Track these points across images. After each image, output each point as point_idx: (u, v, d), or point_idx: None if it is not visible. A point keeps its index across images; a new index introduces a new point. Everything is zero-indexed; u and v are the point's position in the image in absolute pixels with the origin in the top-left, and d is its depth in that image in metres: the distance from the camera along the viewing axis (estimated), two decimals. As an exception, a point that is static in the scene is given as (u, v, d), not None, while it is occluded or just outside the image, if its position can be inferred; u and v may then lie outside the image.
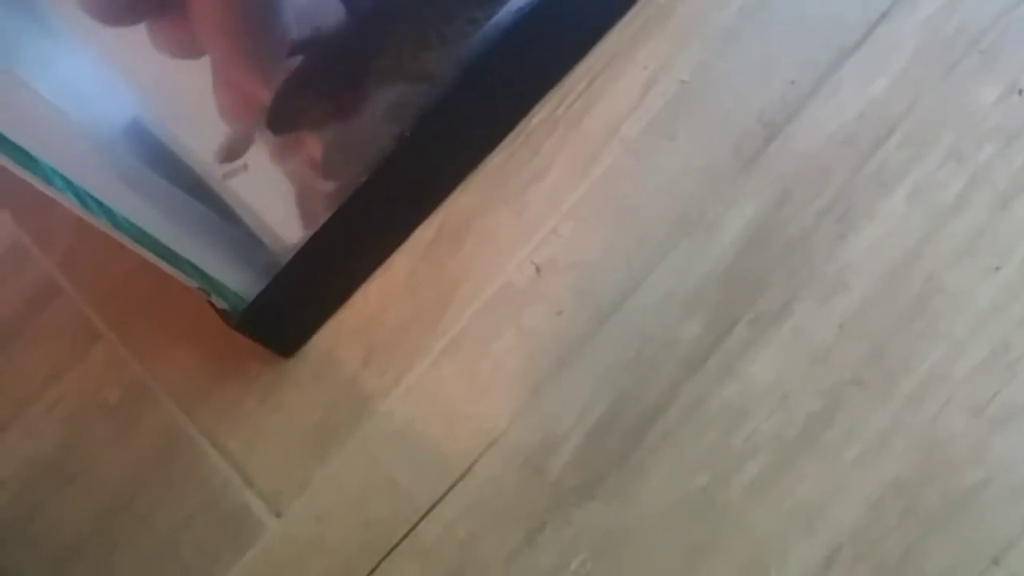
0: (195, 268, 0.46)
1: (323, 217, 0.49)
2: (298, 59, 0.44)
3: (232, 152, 0.45)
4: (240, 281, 0.48)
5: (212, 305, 0.49)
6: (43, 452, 0.55)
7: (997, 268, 0.44)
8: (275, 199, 0.47)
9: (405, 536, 0.48)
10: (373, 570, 0.48)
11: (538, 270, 0.50)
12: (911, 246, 0.45)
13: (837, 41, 0.49)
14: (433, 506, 0.48)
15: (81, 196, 0.42)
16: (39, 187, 0.41)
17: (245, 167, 0.45)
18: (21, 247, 0.61)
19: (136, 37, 0.40)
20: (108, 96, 0.42)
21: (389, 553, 0.47)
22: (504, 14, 0.48)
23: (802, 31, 0.50)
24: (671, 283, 0.47)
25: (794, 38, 0.49)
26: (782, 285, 0.46)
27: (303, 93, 0.45)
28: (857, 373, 0.44)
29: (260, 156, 0.45)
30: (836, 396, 0.44)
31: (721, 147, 0.49)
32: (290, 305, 0.50)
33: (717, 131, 0.49)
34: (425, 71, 0.48)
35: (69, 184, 0.41)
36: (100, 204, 0.42)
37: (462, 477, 0.47)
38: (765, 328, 0.46)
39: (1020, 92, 0.46)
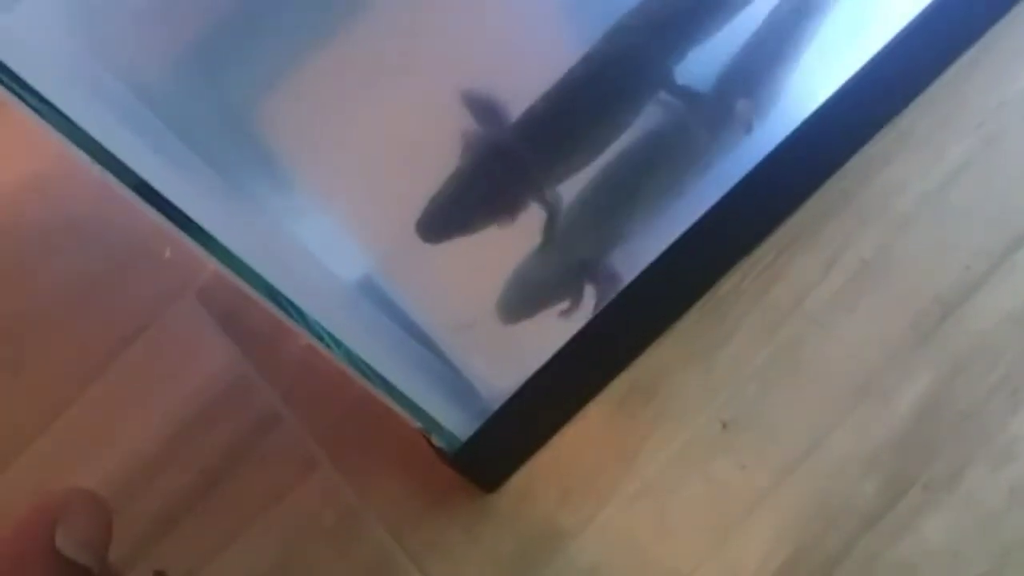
0: (418, 408, 0.52)
1: (531, 371, 0.54)
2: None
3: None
4: (455, 422, 0.54)
5: (429, 442, 0.55)
6: (262, 569, 0.60)
7: None
8: (493, 353, 0.53)
9: (593, 666, 0.52)
10: None
11: (724, 426, 0.54)
12: (1079, 422, 0.48)
13: (1011, 230, 0.53)
14: (620, 640, 0.52)
15: (321, 333, 0.48)
16: (283, 321, 0.47)
17: (472, 324, 0.51)
18: (248, 379, 0.68)
19: (378, 202, 0.48)
20: (352, 249, 0.49)
21: None
22: (698, 199, 0.54)
23: (977, 219, 0.54)
24: (850, 445, 0.51)
25: (969, 225, 0.54)
26: (955, 452, 0.50)
27: (460, 199, 0.50)
28: (1026, 538, 0.47)
29: (486, 316, 0.51)
30: (1005, 559, 0.47)
31: (899, 322, 0.53)
32: (497, 446, 0.56)
33: (895, 307, 0.53)
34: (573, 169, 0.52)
35: (312, 321, 0.47)
36: (339, 343, 0.49)
37: (649, 614, 0.52)
38: (938, 492, 0.49)
39: None
